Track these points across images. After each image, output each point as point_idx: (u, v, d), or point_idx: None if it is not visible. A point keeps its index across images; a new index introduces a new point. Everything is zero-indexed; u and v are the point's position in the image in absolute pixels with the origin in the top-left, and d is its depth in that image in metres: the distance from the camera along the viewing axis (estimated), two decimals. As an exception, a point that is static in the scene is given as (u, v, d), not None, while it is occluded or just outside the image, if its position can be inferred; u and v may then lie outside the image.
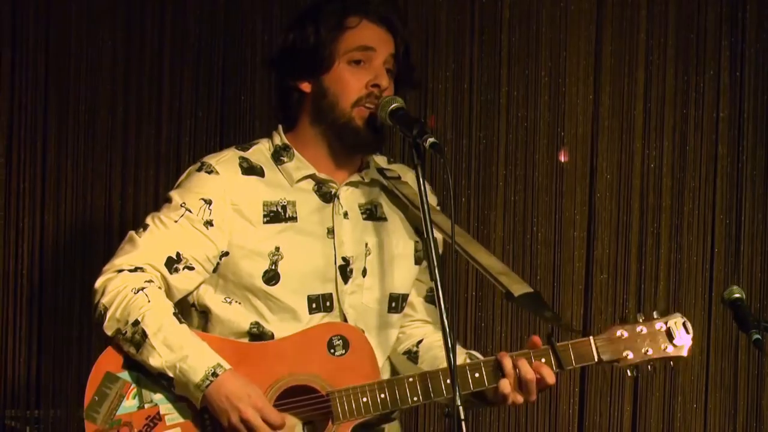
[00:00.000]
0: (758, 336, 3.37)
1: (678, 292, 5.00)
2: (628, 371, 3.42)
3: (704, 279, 5.01)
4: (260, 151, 3.51)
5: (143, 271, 3.39)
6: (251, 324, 3.43)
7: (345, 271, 3.47)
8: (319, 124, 3.48)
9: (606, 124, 4.99)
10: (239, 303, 3.44)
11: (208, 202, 3.43)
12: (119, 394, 3.35)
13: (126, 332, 3.34)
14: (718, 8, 4.99)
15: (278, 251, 3.42)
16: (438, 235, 3.48)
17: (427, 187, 3.58)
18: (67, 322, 4.75)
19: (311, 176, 3.48)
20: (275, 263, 3.42)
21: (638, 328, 3.40)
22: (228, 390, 3.29)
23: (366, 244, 3.50)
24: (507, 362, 3.36)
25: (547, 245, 4.99)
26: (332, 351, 3.39)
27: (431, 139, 3.27)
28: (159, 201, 3.64)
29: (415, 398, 3.36)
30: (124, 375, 3.36)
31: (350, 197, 3.51)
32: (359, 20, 3.46)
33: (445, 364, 3.26)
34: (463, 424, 3.11)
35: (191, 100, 4.85)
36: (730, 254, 5.01)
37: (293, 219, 3.45)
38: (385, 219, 3.55)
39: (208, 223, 3.42)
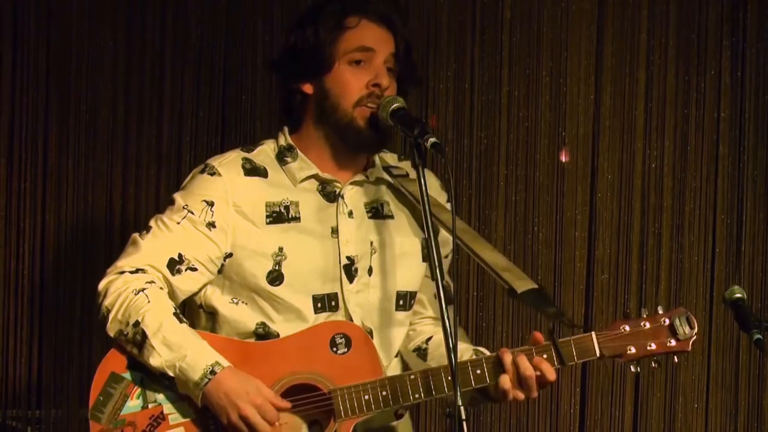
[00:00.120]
0: (759, 336, 3.37)
1: (679, 291, 5.00)
2: (632, 367, 3.41)
3: (705, 279, 5.01)
4: (265, 152, 3.51)
5: (144, 273, 3.39)
6: (257, 324, 3.43)
7: (350, 270, 3.46)
8: (322, 125, 3.48)
9: (607, 123, 4.99)
10: (246, 303, 3.44)
11: (210, 204, 3.43)
12: (123, 394, 3.35)
13: (127, 333, 3.34)
14: (719, 8, 4.99)
15: (282, 252, 3.42)
16: (446, 233, 3.48)
17: (438, 183, 3.59)
18: (69, 322, 4.74)
19: (314, 176, 3.48)
20: (279, 264, 3.42)
21: (641, 324, 3.41)
22: (226, 387, 3.29)
23: (371, 243, 3.49)
24: (507, 358, 3.36)
25: (548, 245, 4.99)
26: (334, 349, 3.39)
27: (432, 139, 3.27)
28: (160, 201, 3.64)
29: (417, 395, 3.36)
30: (128, 375, 3.37)
31: (355, 196, 3.50)
32: (359, 20, 3.45)
33: (453, 361, 3.27)
34: (464, 424, 3.10)
35: (192, 100, 4.84)
36: (731, 254, 5.01)
37: (296, 219, 3.45)
38: (391, 217, 3.54)
39: (211, 225, 3.42)
